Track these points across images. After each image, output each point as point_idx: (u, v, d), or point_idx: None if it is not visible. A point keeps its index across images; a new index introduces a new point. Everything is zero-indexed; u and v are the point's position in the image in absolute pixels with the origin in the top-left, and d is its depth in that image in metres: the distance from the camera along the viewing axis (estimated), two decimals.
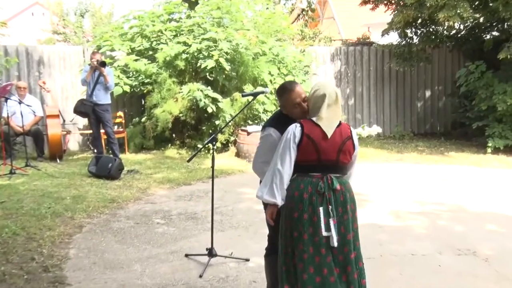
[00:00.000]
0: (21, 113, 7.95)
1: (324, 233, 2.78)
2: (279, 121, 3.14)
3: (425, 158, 9.25)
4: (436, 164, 8.84)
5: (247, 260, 4.36)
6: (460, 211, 5.96)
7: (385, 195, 6.67)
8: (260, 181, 3.12)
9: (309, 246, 2.76)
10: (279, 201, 2.87)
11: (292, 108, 3.09)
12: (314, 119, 2.90)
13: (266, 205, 3.07)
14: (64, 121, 9.26)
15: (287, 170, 2.86)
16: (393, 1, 10.95)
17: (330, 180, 2.84)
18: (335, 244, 2.78)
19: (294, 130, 2.87)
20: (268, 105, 9.47)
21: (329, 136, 2.84)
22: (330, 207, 2.80)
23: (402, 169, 8.41)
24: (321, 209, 2.79)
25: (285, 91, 3.14)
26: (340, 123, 2.93)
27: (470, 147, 10.24)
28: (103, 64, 7.97)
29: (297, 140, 2.84)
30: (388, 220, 5.56)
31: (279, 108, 3.27)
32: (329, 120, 2.87)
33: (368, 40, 13.33)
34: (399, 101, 12.02)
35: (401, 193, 6.82)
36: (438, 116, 12.20)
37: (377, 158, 9.27)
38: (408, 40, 10.95)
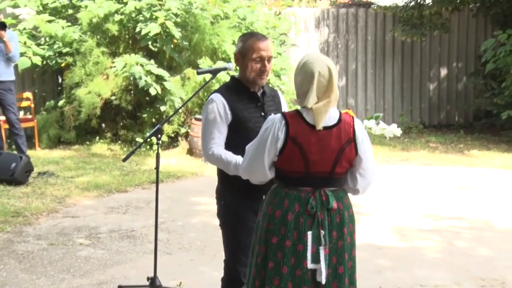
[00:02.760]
0: None
1: (310, 266, 2.76)
2: (229, 88, 3.30)
3: (439, 158, 9.44)
4: (453, 166, 9.04)
5: None
6: (485, 229, 6.10)
7: (386, 207, 6.76)
8: (219, 172, 3.27)
9: (287, 282, 2.77)
10: None
11: (250, 64, 3.22)
12: (301, 110, 2.83)
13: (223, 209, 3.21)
14: None
15: (255, 178, 2.93)
16: None
17: (324, 196, 2.80)
18: (323, 281, 2.77)
19: (276, 128, 2.79)
20: None
21: (319, 129, 2.79)
22: (322, 232, 2.77)
23: (409, 173, 8.56)
24: (309, 234, 2.76)
25: (247, 38, 3.29)
26: (340, 118, 2.85)
27: (499, 144, 10.51)
28: (1, 26, 7.81)
29: (279, 144, 2.78)
30: (390, 240, 5.64)
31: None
32: (321, 112, 2.78)
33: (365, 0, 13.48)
34: (405, 82, 12.21)
35: (406, 204, 6.93)
36: (457, 103, 12.47)
37: (375, 158, 9.36)
38: (419, 0, 11.12)
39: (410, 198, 7.18)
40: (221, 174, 3.31)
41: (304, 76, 2.80)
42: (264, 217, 2.86)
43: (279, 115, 2.83)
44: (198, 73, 4.12)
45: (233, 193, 3.28)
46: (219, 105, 3.22)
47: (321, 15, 11.81)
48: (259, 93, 3.32)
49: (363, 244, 5.37)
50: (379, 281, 4.63)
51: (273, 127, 2.79)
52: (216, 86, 9.24)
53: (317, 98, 2.77)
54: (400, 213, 6.54)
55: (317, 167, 2.78)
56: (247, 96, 3.29)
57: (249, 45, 3.25)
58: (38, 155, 8.86)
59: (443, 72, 12.40)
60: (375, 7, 12.03)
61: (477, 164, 9.09)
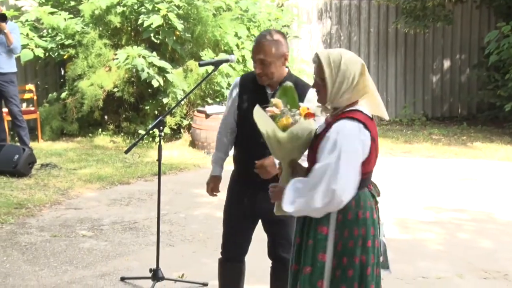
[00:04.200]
0: None
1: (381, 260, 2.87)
2: (251, 76, 3.45)
3: (442, 150, 9.44)
4: (456, 158, 9.04)
5: (205, 285, 4.37)
6: (488, 221, 6.12)
7: (388, 199, 6.76)
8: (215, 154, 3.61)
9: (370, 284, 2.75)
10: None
11: (254, 64, 3.34)
12: (357, 107, 2.73)
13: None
14: None
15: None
16: None
17: (375, 188, 2.88)
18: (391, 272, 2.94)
19: (360, 136, 2.65)
20: (234, 78, 9.42)
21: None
22: (382, 222, 2.86)
23: (411, 165, 8.57)
24: (381, 227, 2.86)
25: (256, 37, 3.40)
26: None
27: (502, 136, 10.50)
28: (2, 17, 7.79)
29: (366, 152, 2.67)
30: (392, 232, 5.64)
31: None
32: (378, 101, 2.81)
33: None
34: (408, 74, 12.19)
35: (409, 196, 6.94)
36: (460, 95, 12.44)
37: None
38: None
39: (413, 190, 7.18)
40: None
41: (351, 69, 2.69)
42: (350, 223, 2.71)
43: (349, 122, 2.65)
44: (200, 65, 4.14)
45: (233, 174, 3.60)
46: (234, 87, 3.50)
47: (323, 6, 11.78)
48: (269, 91, 3.36)
49: None
50: (382, 273, 4.63)
51: (355, 138, 2.63)
52: (218, 79, 9.25)
53: (374, 87, 2.79)
54: (402, 205, 6.54)
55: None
56: (258, 89, 3.38)
57: (253, 45, 3.38)
58: (41, 147, 8.88)
59: (446, 64, 12.37)
60: None
61: (480, 156, 9.08)
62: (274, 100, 2.79)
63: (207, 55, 9.19)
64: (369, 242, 2.70)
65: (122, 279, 4.47)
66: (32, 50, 9.17)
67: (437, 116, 12.33)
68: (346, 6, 11.84)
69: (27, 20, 9.42)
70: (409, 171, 8.19)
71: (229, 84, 9.48)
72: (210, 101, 9.49)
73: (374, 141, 2.70)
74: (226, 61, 4.06)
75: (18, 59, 8.63)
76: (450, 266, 4.84)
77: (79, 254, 4.97)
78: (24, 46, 8.82)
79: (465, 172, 8.11)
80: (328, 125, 2.72)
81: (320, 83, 2.73)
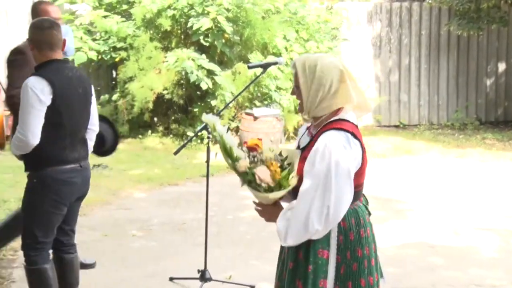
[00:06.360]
0: None
1: (380, 280, 2.70)
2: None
3: (496, 155, 9.19)
4: (511, 163, 8.78)
5: (252, 287, 4.38)
6: None
7: (438, 203, 6.63)
8: None
9: None
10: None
11: None
12: (341, 116, 2.55)
13: None
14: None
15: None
16: None
17: (365, 199, 2.74)
18: None
19: (351, 147, 2.48)
20: (282, 81, 9.43)
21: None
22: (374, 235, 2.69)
23: (463, 169, 8.37)
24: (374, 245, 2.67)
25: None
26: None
27: None
28: None
29: (358, 163, 2.52)
30: (442, 238, 5.54)
31: None
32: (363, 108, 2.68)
33: None
34: (460, 77, 11.95)
35: (460, 201, 6.78)
36: None
37: (427, 154, 9.23)
38: None
39: (465, 194, 7.01)
40: None
41: (328, 76, 2.52)
42: (347, 244, 2.55)
43: (336, 133, 2.48)
44: (249, 68, 4.16)
45: None
46: None
47: (373, 9, 11.66)
48: None
49: (413, 242, 5.33)
50: (432, 280, 4.55)
51: (344, 149, 2.46)
52: (267, 81, 9.25)
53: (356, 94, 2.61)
54: (453, 210, 6.40)
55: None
56: None
57: None
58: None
59: (501, 67, 12.06)
60: (430, 1, 11.80)
61: None
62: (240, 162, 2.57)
63: (256, 57, 9.20)
64: (372, 260, 2.58)
65: (171, 279, 4.51)
66: (85, 53, 9.33)
67: (491, 120, 12.03)
68: (397, 8, 11.69)
69: (81, 24, 9.60)
70: (461, 176, 8.00)
71: (277, 87, 9.47)
72: (258, 103, 9.49)
73: (364, 150, 2.54)
74: (275, 63, 4.07)
75: (72, 62, 8.80)
76: (505, 274, 4.70)
77: (129, 254, 5.03)
78: (78, 49, 8.98)
79: None
80: (314, 137, 2.55)
81: (296, 91, 2.59)
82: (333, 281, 2.52)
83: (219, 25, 9.06)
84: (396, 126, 11.59)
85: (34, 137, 3.46)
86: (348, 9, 11.43)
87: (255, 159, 2.48)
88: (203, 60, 9.05)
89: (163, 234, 5.55)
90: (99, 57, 9.64)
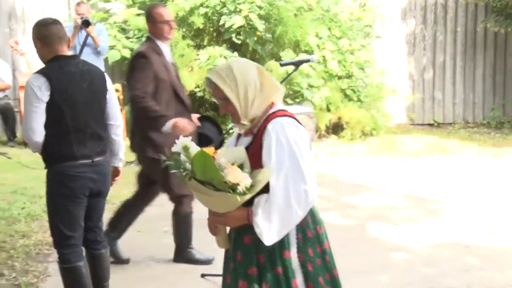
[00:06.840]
0: None
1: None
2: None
3: None
4: None
5: None
6: None
7: (473, 203, 6.53)
8: None
9: None
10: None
11: None
12: (282, 107, 2.62)
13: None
14: None
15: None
16: None
17: None
18: None
19: (300, 129, 2.53)
20: (314, 79, 9.40)
21: None
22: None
23: (499, 168, 8.23)
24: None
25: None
26: None
27: None
28: (86, 24, 7.84)
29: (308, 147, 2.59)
30: (478, 238, 5.45)
31: None
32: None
33: None
34: (497, 75, 11.76)
35: (496, 200, 6.66)
36: None
37: (462, 152, 9.09)
38: None
39: (501, 194, 6.89)
40: None
41: (249, 75, 2.51)
42: (320, 242, 2.62)
43: (282, 118, 2.52)
44: (281, 65, 4.15)
45: None
46: None
47: (408, 6, 11.56)
48: None
49: (447, 242, 5.27)
50: (467, 280, 4.48)
51: (296, 130, 2.51)
52: (299, 79, 9.21)
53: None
54: (490, 210, 6.29)
55: None
56: None
57: None
58: (126, 144, 9.06)
59: None
60: None
61: None
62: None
63: (288, 55, 9.18)
64: (327, 257, 2.60)
65: (202, 275, 4.52)
66: (119, 51, 9.42)
67: None
68: (432, 5, 11.56)
69: (115, 22, 9.70)
70: (497, 175, 7.86)
71: (309, 85, 9.44)
72: (290, 101, 9.47)
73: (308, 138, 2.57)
74: (307, 61, 4.05)
75: (106, 60, 8.90)
76: None
77: (162, 250, 5.05)
78: (111, 47, 9.09)
79: None
80: (258, 133, 2.51)
81: (225, 103, 2.53)
82: (302, 278, 2.51)
83: (251, 22, 9.08)
84: (430, 125, 11.46)
85: (35, 133, 3.48)
86: (381, 6, 11.34)
87: (221, 167, 2.38)
88: (235, 57, 9.07)
89: (195, 230, 5.55)
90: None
